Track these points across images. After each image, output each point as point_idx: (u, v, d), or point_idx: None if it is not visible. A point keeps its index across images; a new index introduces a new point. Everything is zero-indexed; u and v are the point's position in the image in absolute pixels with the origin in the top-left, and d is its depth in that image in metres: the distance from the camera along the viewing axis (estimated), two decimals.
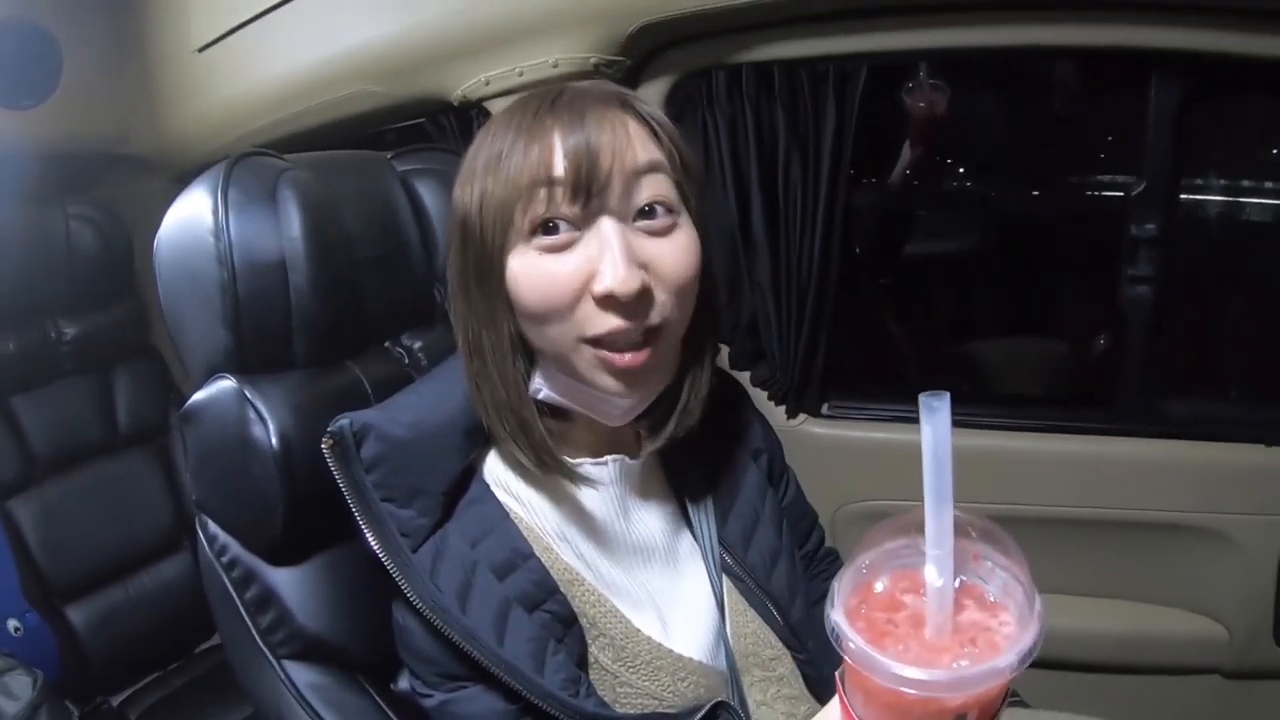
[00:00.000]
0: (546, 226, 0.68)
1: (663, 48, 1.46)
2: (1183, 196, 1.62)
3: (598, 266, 0.68)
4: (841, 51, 1.41)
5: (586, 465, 0.79)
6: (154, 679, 1.92)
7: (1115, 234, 1.55)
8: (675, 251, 0.71)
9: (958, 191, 2.11)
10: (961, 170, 2.07)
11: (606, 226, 0.68)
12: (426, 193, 1.03)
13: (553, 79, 1.37)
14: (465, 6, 1.42)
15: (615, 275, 0.66)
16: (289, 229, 0.84)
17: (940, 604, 0.48)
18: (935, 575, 0.48)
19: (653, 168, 0.70)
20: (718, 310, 0.83)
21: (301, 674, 0.83)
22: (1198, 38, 1.32)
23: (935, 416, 0.47)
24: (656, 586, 0.82)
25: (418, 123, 1.63)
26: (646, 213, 0.70)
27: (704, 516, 0.87)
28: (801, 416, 1.66)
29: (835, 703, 0.56)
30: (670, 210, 0.71)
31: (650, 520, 0.84)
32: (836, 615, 0.48)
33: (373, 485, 0.74)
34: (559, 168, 0.67)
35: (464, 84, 1.46)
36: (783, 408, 1.65)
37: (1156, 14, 1.31)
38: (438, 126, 1.59)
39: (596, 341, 0.70)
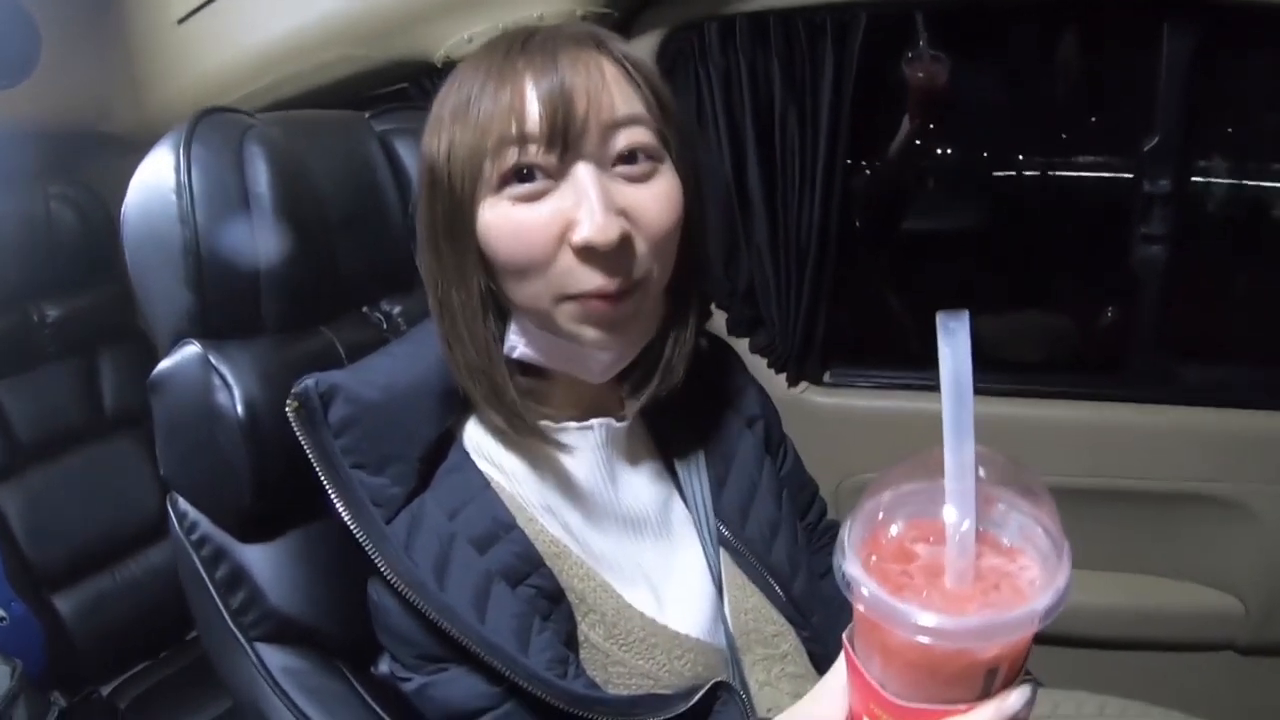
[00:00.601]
0: (519, 174, 0.64)
1: None
2: (1196, 153, 1.58)
3: (574, 215, 0.63)
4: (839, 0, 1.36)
5: (570, 430, 0.74)
6: (144, 667, 1.88)
7: (1127, 192, 1.51)
8: (656, 198, 0.67)
9: (964, 155, 2.06)
10: (966, 134, 2.01)
11: (582, 173, 0.64)
12: (406, 153, 0.98)
13: None
14: None
15: (593, 224, 0.62)
16: (255, 185, 0.80)
17: (962, 549, 0.43)
18: (956, 516, 0.43)
19: (631, 120, 0.65)
20: (703, 262, 0.79)
21: (275, 657, 0.79)
22: None
23: (954, 338, 0.43)
24: (649, 560, 0.78)
25: (402, 88, 1.58)
26: (625, 158, 0.65)
27: (697, 487, 0.82)
28: (802, 385, 1.62)
29: (838, 668, 0.51)
30: (650, 157, 0.66)
31: (640, 489, 0.79)
32: (849, 565, 0.44)
33: (341, 451, 0.70)
34: (531, 113, 0.63)
35: (447, 43, 1.40)
36: (783, 376, 1.61)
37: None
38: (421, 90, 1.54)
39: (577, 298, 0.66)
